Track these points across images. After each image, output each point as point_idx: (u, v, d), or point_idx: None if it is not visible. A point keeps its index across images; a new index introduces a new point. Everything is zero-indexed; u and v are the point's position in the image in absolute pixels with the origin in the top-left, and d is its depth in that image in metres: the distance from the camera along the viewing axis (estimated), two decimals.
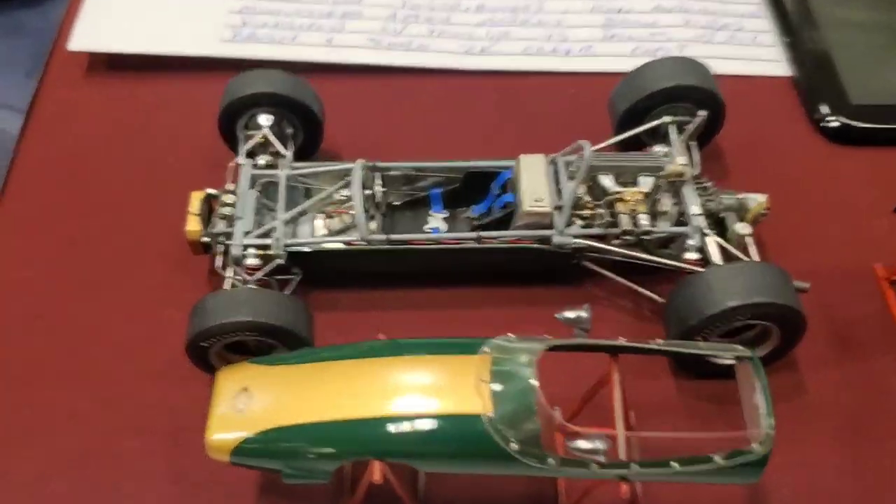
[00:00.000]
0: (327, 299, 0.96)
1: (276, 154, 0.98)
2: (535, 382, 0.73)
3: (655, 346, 0.78)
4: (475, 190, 0.98)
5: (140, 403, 0.89)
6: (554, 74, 1.15)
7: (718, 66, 1.12)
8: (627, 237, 0.91)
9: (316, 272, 0.93)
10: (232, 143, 1.01)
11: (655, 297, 0.92)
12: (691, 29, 1.18)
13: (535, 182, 0.92)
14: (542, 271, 0.95)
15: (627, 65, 1.13)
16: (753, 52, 1.17)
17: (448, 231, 0.97)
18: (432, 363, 0.77)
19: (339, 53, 1.14)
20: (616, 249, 0.91)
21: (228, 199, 0.93)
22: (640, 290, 0.93)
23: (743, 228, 0.92)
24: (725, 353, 0.78)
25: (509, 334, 0.78)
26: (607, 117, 1.05)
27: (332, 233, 0.93)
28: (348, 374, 0.77)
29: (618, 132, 1.02)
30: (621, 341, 0.77)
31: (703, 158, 0.98)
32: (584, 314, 0.76)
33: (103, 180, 1.06)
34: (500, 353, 0.76)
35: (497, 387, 0.74)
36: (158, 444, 0.86)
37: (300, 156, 1.01)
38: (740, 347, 0.78)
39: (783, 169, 1.08)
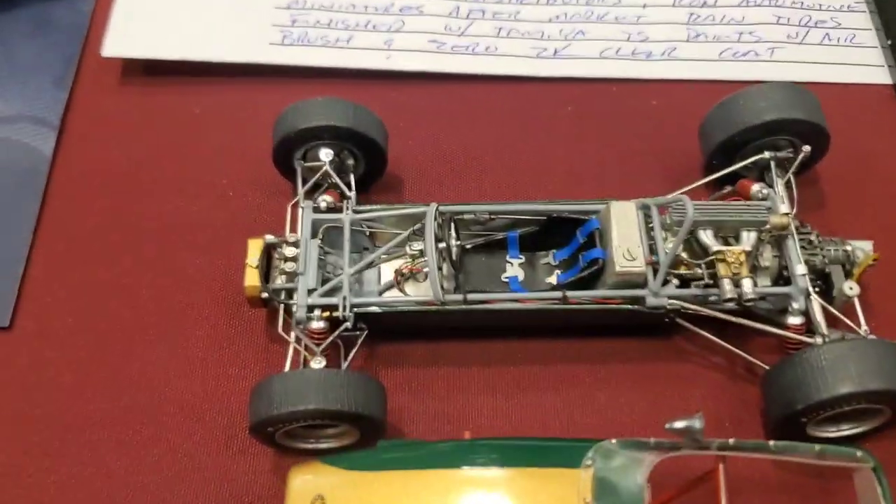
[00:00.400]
0: (394, 353, 0.88)
1: (336, 187, 0.90)
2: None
3: (769, 454, 0.72)
4: (555, 231, 0.90)
5: (200, 475, 0.82)
6: (634, 82, 1.04)
7: (812, 73, 1.04)
8: (729, 304, 0.83)
9: (384, 328, 0.86)
10: (287, 172, 0.93)
11: (757, 362, 0.85)
12: (782, 27, 1.07)
13: (626, 236, 0.84)
14: (630, 327, 0.88)
15: (714, 72, 1.05)
16: (851, 54, 1.06)
17: (526, 278, 0.89)
18: (529, 478, 0.70)
19: (397, 60, 1.03)
20: (713, 313, 0.84)
21: (289, 252, 0.85)
22: (739, 352, 0.86)
23: (850, 290, 0.84)
24: (844, 462, 0.72)
25: (613, 440, 0.72)
26: (693, 133, 0.96)
27: (402, 284, 0.86)
28: (433, 491, 0.70)
29: (709, 163, 0.93)
30: (731, 442, 0.71)
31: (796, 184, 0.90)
32: (696, 424, 0.69)
33: (147, 208, 0.96)
34: (606, 464, 0.70)
35: None
36: None
37: (361, 184, 0.92)
38: (860, 453, 0.72)
39: (883, 195, 0.98)
